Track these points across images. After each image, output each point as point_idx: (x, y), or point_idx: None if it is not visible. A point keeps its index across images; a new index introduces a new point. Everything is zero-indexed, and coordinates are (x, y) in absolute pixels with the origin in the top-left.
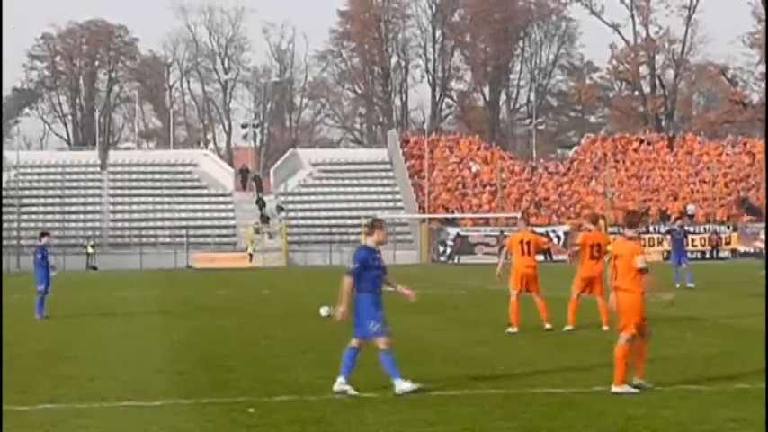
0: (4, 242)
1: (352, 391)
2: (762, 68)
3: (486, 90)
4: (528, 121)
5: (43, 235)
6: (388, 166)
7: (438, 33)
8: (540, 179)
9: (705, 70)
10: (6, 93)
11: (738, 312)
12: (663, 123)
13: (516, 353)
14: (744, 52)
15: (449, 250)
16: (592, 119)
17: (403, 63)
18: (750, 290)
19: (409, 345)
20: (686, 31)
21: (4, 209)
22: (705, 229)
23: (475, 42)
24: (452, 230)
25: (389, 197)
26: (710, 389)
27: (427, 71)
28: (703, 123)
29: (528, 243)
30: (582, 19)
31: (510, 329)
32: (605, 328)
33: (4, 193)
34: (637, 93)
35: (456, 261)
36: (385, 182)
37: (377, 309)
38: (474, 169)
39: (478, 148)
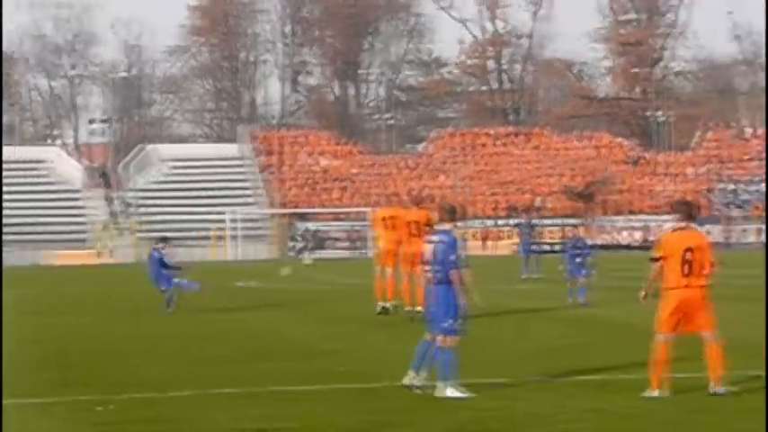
0: None
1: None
2: (607, 63)
3: (336, 85)
4: (377, 116)
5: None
6: (239, 162)
7: (288, 29)
8: (390, 174)
9: (551, 66)
10: None
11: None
12: (511, 118)
13: (367, 348)
14: (590, 47)
15: (299, 246)
16: (443, 114)
17: (252, 58)
18: (601, 282)
19: (267, 339)
20: (533, 27)
21: None
22: (554, 222)
23: (324, 37)
24: (303, 225)
25: (241, 192)
26: (567, 380)
27: (277, 66)
28: (551, 118)
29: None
30: (432, 14)
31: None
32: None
33: None
34: (485, 88)
35: (307, 256)
36: (237, 177)
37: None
38: (323, 164)
39: (329, 143)
